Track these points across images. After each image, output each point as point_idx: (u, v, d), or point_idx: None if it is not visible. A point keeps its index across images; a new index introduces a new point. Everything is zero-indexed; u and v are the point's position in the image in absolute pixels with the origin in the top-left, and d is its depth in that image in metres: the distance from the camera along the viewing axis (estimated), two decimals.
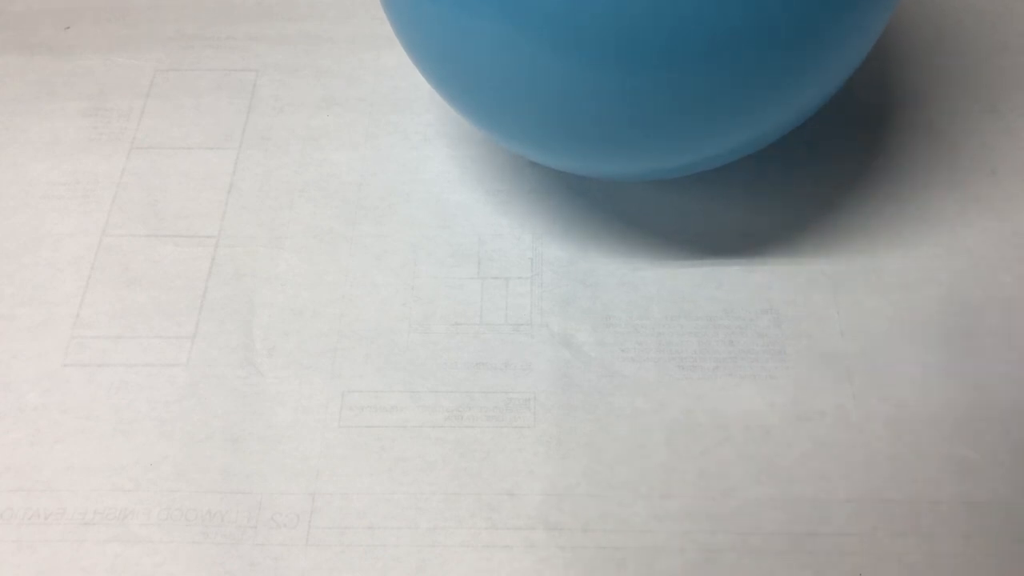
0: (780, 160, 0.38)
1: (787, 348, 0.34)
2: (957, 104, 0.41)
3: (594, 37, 0.29)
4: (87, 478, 0.32)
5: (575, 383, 0.34)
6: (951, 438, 0.33)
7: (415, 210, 0.38)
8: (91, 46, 0.44)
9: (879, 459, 0.32)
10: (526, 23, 0.29)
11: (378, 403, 0.34)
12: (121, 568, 0.31)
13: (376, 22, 0.45)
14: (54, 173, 0.40)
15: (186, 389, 0.34)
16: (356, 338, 0.35)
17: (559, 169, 0.37)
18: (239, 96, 0.42)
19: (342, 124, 0.41)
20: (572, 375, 0.34)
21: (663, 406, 0.33)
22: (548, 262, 0.37)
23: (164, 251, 0.38)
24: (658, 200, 0.38)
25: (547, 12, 0.29)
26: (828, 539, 0.31)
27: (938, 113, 0.40)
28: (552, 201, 0.38)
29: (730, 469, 0.32)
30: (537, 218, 0.38)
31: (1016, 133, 0.40)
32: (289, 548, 0.31)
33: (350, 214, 0.38)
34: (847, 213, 0.38)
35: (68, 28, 0.45)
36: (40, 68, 0.43)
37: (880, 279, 0.36)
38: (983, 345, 0.34)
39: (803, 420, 0.33)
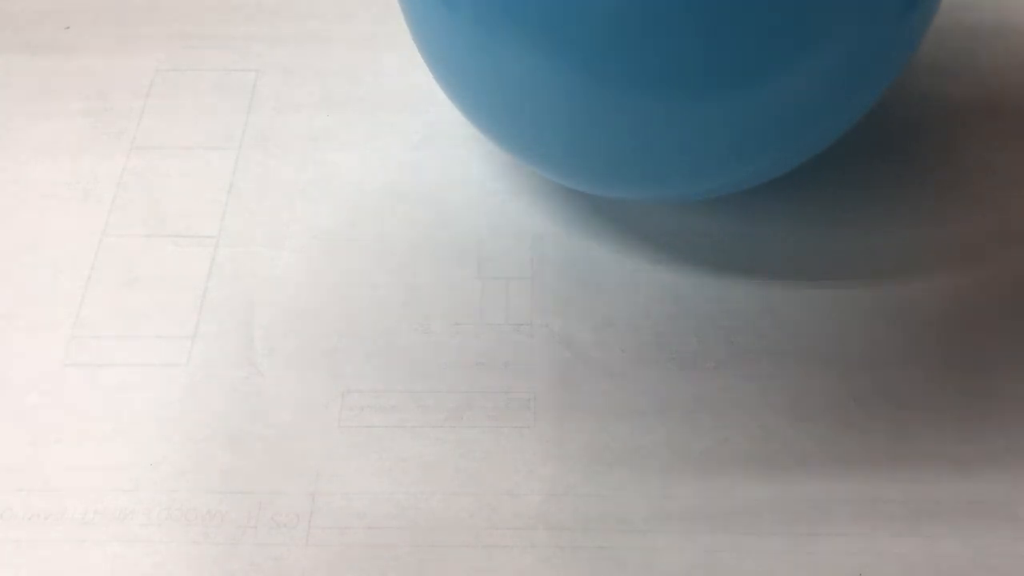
0: None
1: (787, 348, 0.34)
2: (957, 104, 0.41)
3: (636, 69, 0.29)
4: (87, 478, 0.32)
5: (575, 383, 0.34)
6: (951, 438, 0.32)
7: (415, 210, 0.38)
8: (91, 46, 0.44)
9: (879, 459, 0.32)
10: (556, 53, 0.29)
11: (378, 403, 0.34)
12: (121, 568, 0.31)
13: (376, 22, 0.45)
14: (54, 173, 0.40)
15: (186, 389, 0.34)
16: (356, 338, 0.35)
17: (589, 192, 0.37)
18: (239, 96, 0.42)
19: (342, 124, 0.41)
20: (572, 375, 0.34)
21: (663, 406, 0.33)
22: (548, 262, 0.37)
23: (164, 251, 0.38)
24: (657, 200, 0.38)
25: (582, 43, 0.28)
26: (828, 539, 0.31)
27: (937, 113, 0.40)
28: (552, 201, 0.38)
29: (730, 469, 0.32)
30: (537, 218, 0.38)
31: (1017, 133, 0.40)
32: (289, 548, 0.31)
33: (350, 214, 0.38)
34: (846, 213, 0.38)
35: (68, 28, 0.45)
36: (40, 68, 0.43)
37: (880, 279, 0.36)
38: (983, 345, 0.34)
39: (803, 420, 0.33)
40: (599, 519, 0.31)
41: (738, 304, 0.36)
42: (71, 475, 0.32)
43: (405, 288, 0.36)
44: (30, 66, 0.43)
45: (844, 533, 0.31)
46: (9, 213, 0.39)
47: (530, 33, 0.29)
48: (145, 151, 0.41)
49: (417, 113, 0.41)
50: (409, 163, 0.40)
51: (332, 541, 0.31)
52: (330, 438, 0.33)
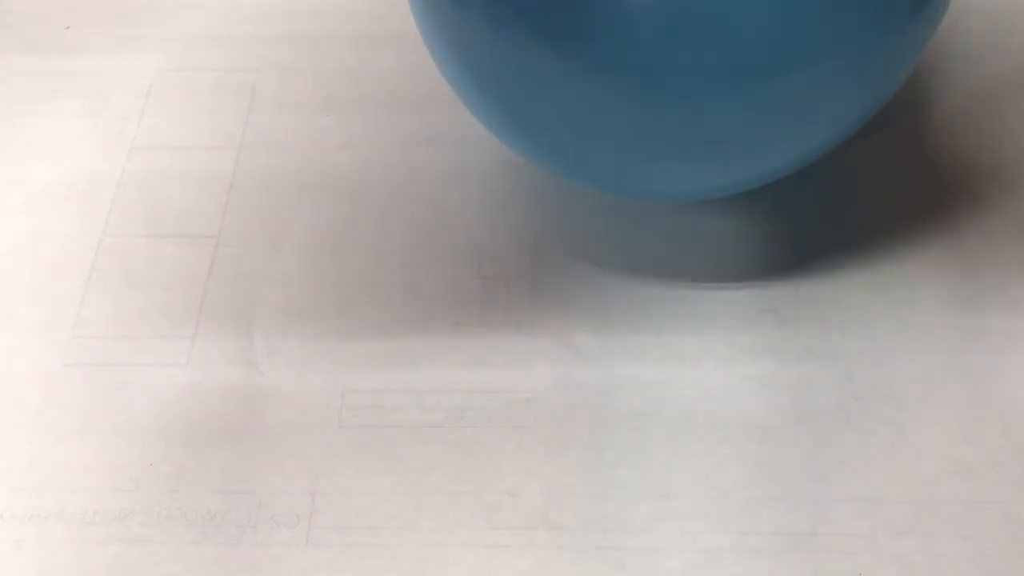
0: None
1: (787, 348, 0.34)
2: (957, 104, 0.41)
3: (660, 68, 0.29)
4: (87, 478, 0.32)
5: (575, 383, 0.34)
6: (951, 438, 0.32)
7: (415, 210, 0.38)
8: (91, 46, 0.44)
9: (879, 459, 0.32)
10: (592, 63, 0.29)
11: (378, 403, 0.34)
12: (121, 568, 0.31)
13: (376, 22, 0.45)
14: (54, 173, 0.40)
15: (186, 389, 0.34)
16: (356, 338, 0.35)
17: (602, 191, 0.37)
18: (239, 96, 0.42)
19: (342, 124, 0.41)
20: (572, 375, 0.34)
21: (663, 406, 0.33)
22: (548, 262, 0.37)
23: (164, 251, 0.38)
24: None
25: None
26: (828, 539, 0.31)
27: (938, 114, 0.40)
28: (552, 201, 0.38)
29: (730, 469, 0.32)
30: (537, 218, 0.38)
31: (1017, 134, 0.40)
32: (289, 548, 0.31)
33: (350, 214, 0.38)
34: (846, 213, 0.38)
35: (68, 28, 0.45)
36: (40, 68, 0.43)
37: (880, 279, 0.36)
38: (983, 345, 0.34)
39: (803, 420, 0.33)
40: (599, 519, 0.31)
41: (738, 304, 0.36)
42: (71, 475, 0.32)
43: (405, 288, 0.36)
44: (30, 66, 0.43)
45: (844, 533, 0.31)
46: (9, 213, 0.39)
47: (540, 29, 0.29)
48: (145, 151, 0.41)
49: (417, 113, 0.41)
50: (409, 163, 0.40)
51: (332, 541, 0.31)
52: (330, 438, 0.33)
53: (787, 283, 0.36)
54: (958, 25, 0.43)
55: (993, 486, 0.32)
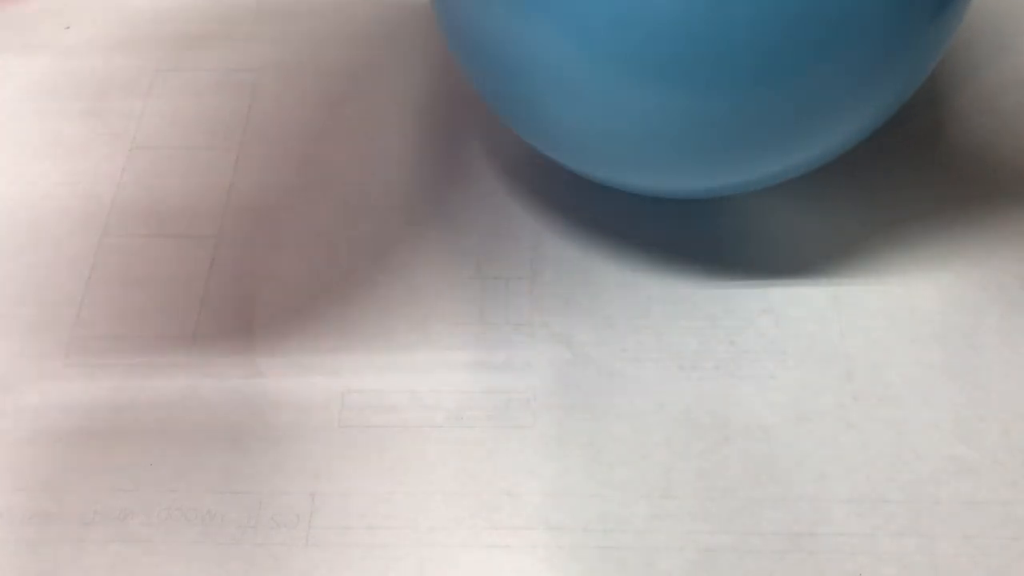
0: None
1: (787, 348, 0.34)
2: (956, 104, 0.41)
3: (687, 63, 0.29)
4: (87, 478, 0.32)
5: (575, 383, 0.34)
6: (951, 438, 0.33)
7: (415, 210, 0.38)
8: (91, 46, 0.44)
9: (879, 459, 0.32)
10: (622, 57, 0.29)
11: (378, 403, 0.34)
12: (121, 568, 0.31)
13: (377, 22, 0.45)
14: (54, 173, 0.40)
15: (186, 389, 0.34)
16: (356, 338, 0.35)
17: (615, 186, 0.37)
18: (239, 96, 0.42)
19: (342, 124, 0.41)
20: (572, 375, 0.34)
21: (663, 406, 0.33)
22: (548, 262, 0.37)
23: (164, 251, 0.38)
24: (658, 200, 0.38)
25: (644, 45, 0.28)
26: (828, 539, 0.31)
27: (937, 114, 0.40)
28: (552, 200, 0.38)
29: (730, 469, 0.32)
30: (537, 218, 0.38)
31: (1016, 134, 0.40)
32: (289, 548, 0.31)
33: (350, 214, 0.38)
34: (846, 213, 0.38)
35: (68, 28, 0.45)
36: (40, 68, 0.43)
37: (880, 279, 0.36)
38: (983, 345, 0.34)
39: (803, 420, 0.33)
40: (599, 519, 0.31)
41: (738, 304, 0.36)
42: (71, 475, 0.32)
43: (405, 288, 0.36)
44: (30, 66, 0.43)
45: (844, 533, 0.31)
46: (9, 213, 0.39)
47: (560, 20, 0.29)
48: (145, 151, 0.41)
49: (417, 113, 0.41)
50: (408, 163, 0.40)
51: (332, 541, 0.31)
52: (330, 438, 0.33)
53: (787, 283, 0.36)
54: (961, 25, 0.43)
55: (993, 486, 0.32)
